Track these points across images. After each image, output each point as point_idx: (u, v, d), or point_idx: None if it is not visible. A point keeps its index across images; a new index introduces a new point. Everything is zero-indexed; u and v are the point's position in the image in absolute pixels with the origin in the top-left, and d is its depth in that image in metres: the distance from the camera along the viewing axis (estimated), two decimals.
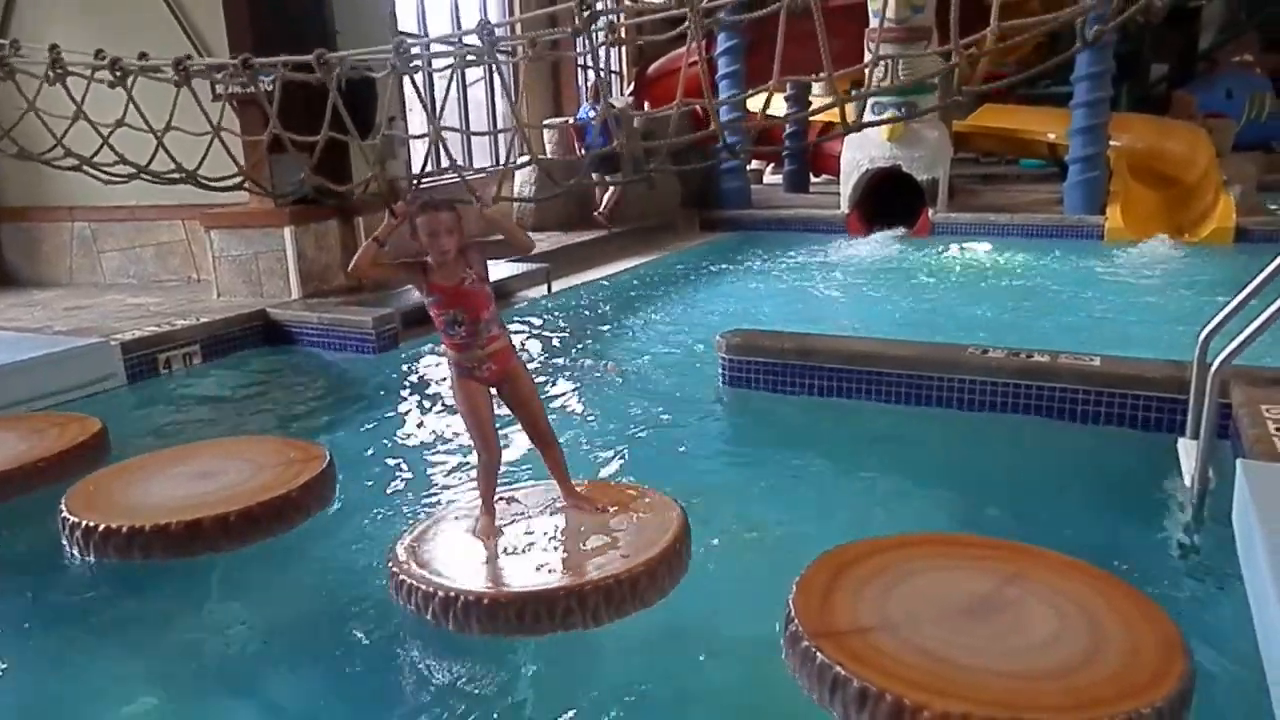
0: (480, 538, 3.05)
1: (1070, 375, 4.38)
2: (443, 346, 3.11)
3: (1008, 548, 2.80)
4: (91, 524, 3.23)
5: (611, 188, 10.49)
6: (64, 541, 3.32)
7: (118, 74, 3.44)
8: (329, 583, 3.29)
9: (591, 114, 9.74)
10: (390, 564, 2.93)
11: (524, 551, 2.95)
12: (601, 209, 10.78)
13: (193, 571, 3.26)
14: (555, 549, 2.95)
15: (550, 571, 2.80)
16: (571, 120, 11.08)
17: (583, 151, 9.46)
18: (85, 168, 3.50)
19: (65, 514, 3.33)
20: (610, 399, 5.27)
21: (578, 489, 3.28)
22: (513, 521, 3.16)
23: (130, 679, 2.82)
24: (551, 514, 3.19)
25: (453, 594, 2.69)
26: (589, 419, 4.90)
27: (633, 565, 2.76)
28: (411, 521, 3.35)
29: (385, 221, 2.97)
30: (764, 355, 5.06)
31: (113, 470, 3.81)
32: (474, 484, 3.36)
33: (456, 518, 3.26)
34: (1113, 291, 7.75)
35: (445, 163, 3.77)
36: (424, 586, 2.76)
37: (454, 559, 2.93)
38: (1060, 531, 3.31)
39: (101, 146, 3.52)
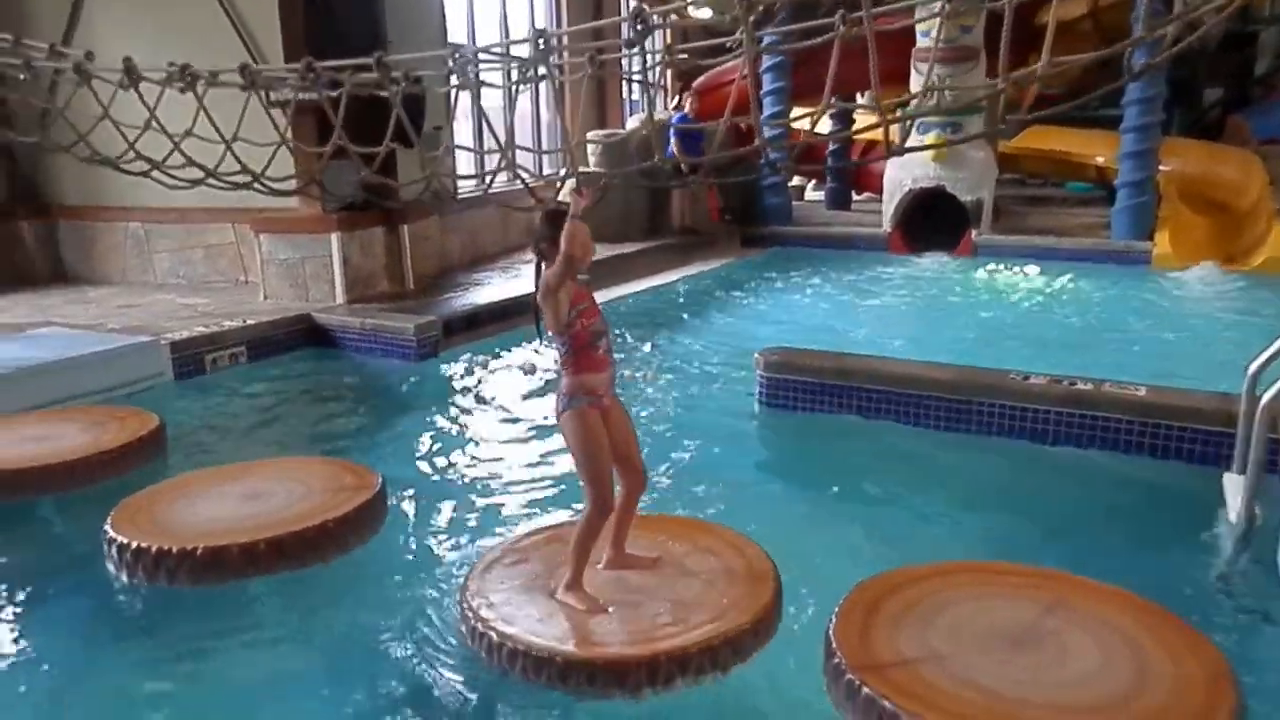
0: (573, 605, 2.71)
1: (1114, 404, 4.32)
2: (565, 381, 2.69)
3: (1047, 575, 2.78)
4: (124, 541, 3.19)
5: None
6: (103, 556, 3.28)
7: (188, 78, 3.58)
8: (361, 619, 3.16)
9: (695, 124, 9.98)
10: (482, 626, 2.67)
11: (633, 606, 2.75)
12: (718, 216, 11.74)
13: (224, 595, 3.16)
14: (661, 603, 2.75)
15: (681, 625, 2.63)
16: (672, 118, 10.88)
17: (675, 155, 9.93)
18: (155, 172, 3.66)
19: (106, 527, 3.31)
20: (648, 413, 5.28)
21: (662, 524, 3.11)
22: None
23: (142, 696, 2.79)
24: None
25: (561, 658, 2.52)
26: None
27: (741, 621, 2.62)
28: (479, 561, 3.11)
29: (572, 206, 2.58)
30: (802, 374, 5.05)
31: (169, 485, 3.77)
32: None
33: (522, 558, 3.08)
34: (1159, 319, 7.62)
35: (504, 167, 3.77)
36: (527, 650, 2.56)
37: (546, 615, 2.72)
38: (1101, 562, 3.26)
39: (172, 151, 3.67)
